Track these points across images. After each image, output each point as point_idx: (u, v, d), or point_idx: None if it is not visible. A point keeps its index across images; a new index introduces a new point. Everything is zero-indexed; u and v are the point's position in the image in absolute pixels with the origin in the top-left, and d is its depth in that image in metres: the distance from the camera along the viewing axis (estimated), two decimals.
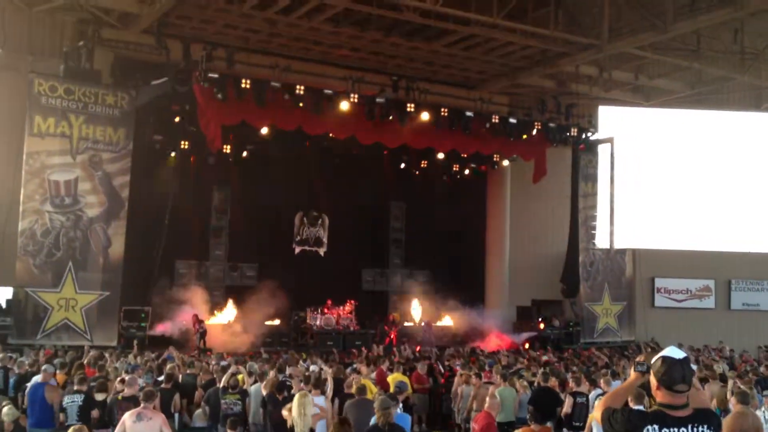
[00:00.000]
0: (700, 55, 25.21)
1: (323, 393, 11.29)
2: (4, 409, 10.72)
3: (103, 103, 22.26)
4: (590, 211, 28.82)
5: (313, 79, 23.38)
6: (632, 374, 4.58)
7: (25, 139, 21.51)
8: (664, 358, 4.26)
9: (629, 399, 8.00)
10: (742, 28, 24.35)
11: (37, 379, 11.93)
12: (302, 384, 12.04)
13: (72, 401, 10.52)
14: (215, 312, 27.21)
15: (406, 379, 14.38)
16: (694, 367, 4.43)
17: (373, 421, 8.90)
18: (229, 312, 27.31)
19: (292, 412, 9.33)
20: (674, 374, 4.22)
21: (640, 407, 7.06)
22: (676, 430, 4.21)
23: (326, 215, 30.15)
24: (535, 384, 13.98)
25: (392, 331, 27.89)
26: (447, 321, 30.16)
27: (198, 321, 24.56)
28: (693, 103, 30.04)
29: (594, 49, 23.75)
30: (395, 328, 28.21)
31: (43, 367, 12.16)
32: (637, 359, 4.60)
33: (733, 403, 9.35)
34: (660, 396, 4.28)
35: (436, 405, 16.42)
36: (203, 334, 24.35)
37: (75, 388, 10.69)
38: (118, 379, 12.65)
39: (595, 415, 4.64)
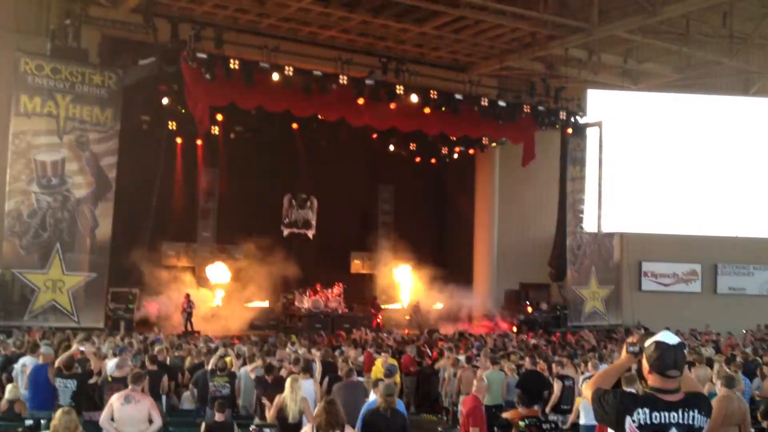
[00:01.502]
0: (688, 39, 25.22)
1: (311, 376, 11.28)
2: (9, 386, 10.73)
3: (90, 82, 22.06)
4: (578, 195, 28.86)
5: (302, 60, 23.25)
6: (623, 355, 4.56)
7: (11, 118, 21.30)
8: (658, 343, 4.25)
9: (621, 382, 8.04)
10: (730, 12, 24.33)
11: (32, 360, 11.83)
12: (291, 366, 12.05)
13: (65, 386, 10.46)
14: (203, 294, 27.16)
15: (395, 362, 14.39)
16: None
17: (369, 404, 8.94)
18: (217, 294, 27.28)
19: (284, 394, 9.31)
20: (667, 360, 4.20)
21: (632, 390, 7.07)
22: (666, 414, 4.20)
23: (315, 197, 30.10)
24: (523, 368, 14.03)
25: (378, 314, 27.95)
26: (435, 304, 30.23)
27: (188, 301, 24.58)
28: (681, 88, 30.09)
29: (583, 32, 23.73)
30: (381, 311, 28.26)
31: (42, 349, 12.04)
32: (629, 340, 4.58)
33: (718, 387, 9.39)
34: (651, 380, 4.27)
35: (424, 388, 16.45)
36: (189, 314, 24.35)
37: (65, 372, 10.62)
38: (105, 362, 12.60)
39: (585, 395, 4.63)
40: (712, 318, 27.59)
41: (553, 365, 13.53)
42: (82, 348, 12.30)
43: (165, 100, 23.61)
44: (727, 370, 11.49)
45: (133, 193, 23.89)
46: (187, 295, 24.88)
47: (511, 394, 13.07)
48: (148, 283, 24.67)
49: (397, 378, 12.01)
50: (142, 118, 25.09)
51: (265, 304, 27.75)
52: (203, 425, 9.53)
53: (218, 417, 9.53)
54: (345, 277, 30.18)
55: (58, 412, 7.91)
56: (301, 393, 9.35)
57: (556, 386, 12.31)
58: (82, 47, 22.32)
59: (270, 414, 9.62)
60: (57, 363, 10.93)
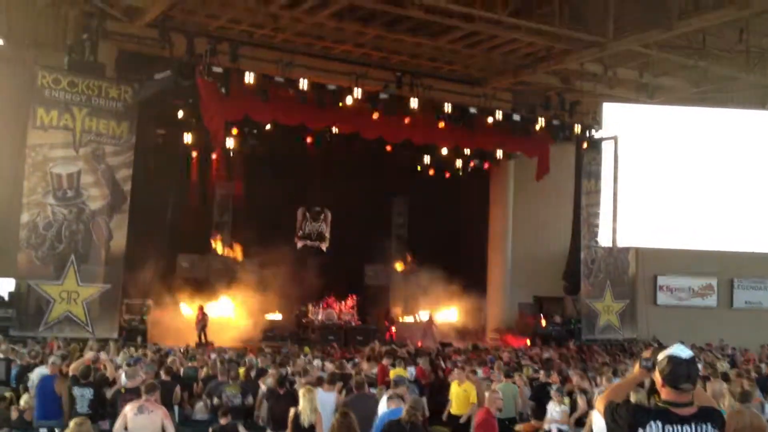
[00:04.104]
0: (705, 54, 25.15)
1: (335, 389, 11.21)
2: (25, 396, 10.84)
3: (106, 96, 22.26)
4: (593, 209, 28.78)
5: (316, 74, 23.34)
6: (636, 369, 4.57)
7: (28, 131, 21.52)
8: (670, 357, 4.25)
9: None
10: (747, 27, 24.26)
11: (45, 371, 11.90)
12: (303, 379, 12.06)
13: (82, 394, 10.55)
14: (217, 306, 27.24)
15: (405, 374, 14.35)
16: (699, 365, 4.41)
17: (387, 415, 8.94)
18: (231, 306, 27.34)
19: (300, 405, 9.30)
20: (679, 373, 4.21)
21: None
22: (679, 427, 4.20)
23: (329, 210, 30.14)
24: (537, 381, 13.98)
25: (392, 327, 27.92)
26: (448, 317, 30.18)
27: (202, 313, 24.67)
28: (697, 102, 29.95)
29: (599, 46, 23.70)
30: (395, 323, 28.22)
31: (51, 360, 12.13)
32: (643, 355, 4.59)
33: (735, 402, 9.32)
34: (665, 393, 4.28)
35: (436, 400, 16.37)
36: (204, 326, 24.42)
37: (82, 381, 10.69)
38: (119, 372, 12.66)
39: (598, 408, 4.64)
40: (728, 333, 27.42)
41: (575, 378, 13.45)
42: (99, 355, 12.40)
43: (180, 114, 23.76)
44: (746, 384, 11.42)
45: (148, 205, 23.99)
46: (201, 307, 24.99)
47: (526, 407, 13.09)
48: (163, 295, 24.77)
49: None
50: (157, 131, 25.25)
51: (279, 316, 27.78)
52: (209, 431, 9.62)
53: (222, 421, 9.64)
54: (358, 290, 30.20)
55: (72, 423, 7.95)
56: (315, 404, 9.33)
57: (581, 401, 12.13)
58: (99, 61, 22.53)
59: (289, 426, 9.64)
60: (71, 371, 11.00)
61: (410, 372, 13.16)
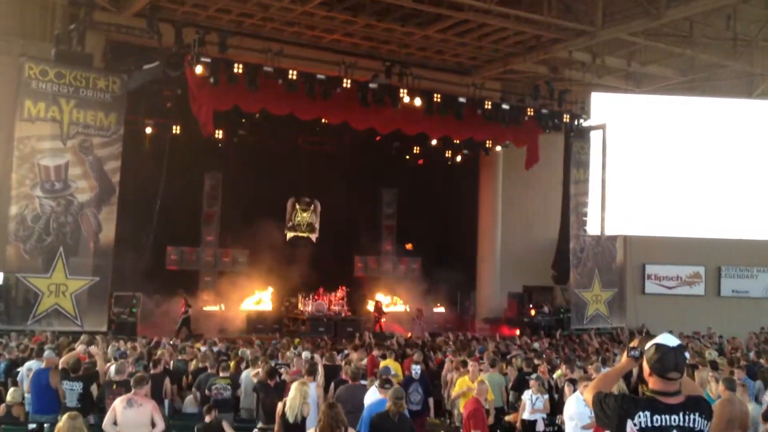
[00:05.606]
0: (692, 42, 25.23)
1: (315, 380, 11.25)
2: (11, 390, 10.76)
3: (94, 87, 22.08)
4: (582, 198, 28.84)
5: (305, 64, 23.28)
6: (624, 358, 4.58)
7: (15, 123, 21.35)
8: (658, 346, 4.26)
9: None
10: (734, 15, 24.36)
11: (39, 365, 11.82)
12: (295, 368, 12.05)
13: (71, 388, 10.51)
14: (206, 298, 27.20)
15: (395, 365, 14.36)
16: (686, 354, 4.41)
17: (372, 407, 8.93)
18: (221, 298, 27.30)
19: (289, 397, 9.26)
20: (667, 362, 4.22)
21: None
22: (667, 417, 4.21)
23: (318, 201, 30.10)
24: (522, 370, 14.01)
25: (381, 318, 27.94)
26: (438, 308, 30.23)
27: (186, 305, 24.59)
28: (685, 90, 30.06)
29: (587, 35, 23.73)
30: (384, 314, 28.25)
31: (46, 354, 12.04)
32: (631, 344, 4.60)
33: (721, 390, 9.37)
34: (652, 383, 4.29)
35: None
36: (187, 318, 24.31)
37: (72, 375, 10.65)
38: (108, 365, 12.63)
39: (585, 398, 4.65)
40: (716, 321, 27.58)
41: (562, 367, 13.49)
42: (89, 349, 12.35)
43: (169, 104, 23.63)
44: (737, 372, 11.50)
45: (137, 197, 23.89)
46: (185, 299, 24.87)
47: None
48: (152, 287, 24.69)
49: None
50: (146, 122, 25.12)
51: (269, 307, 27.76)
52: (195, 429, 9.61)
53: (207, 418, 9.65)
54: (348, 281, 30.18)
55: (64, 417, 7.91)
56: (306, 398, 9.31)
57: (567, 390, 12.19)
58: (87, 52, 22.36)
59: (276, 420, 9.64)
60: (61, 365, 10.96)
61: (415, 371, 13.07)
